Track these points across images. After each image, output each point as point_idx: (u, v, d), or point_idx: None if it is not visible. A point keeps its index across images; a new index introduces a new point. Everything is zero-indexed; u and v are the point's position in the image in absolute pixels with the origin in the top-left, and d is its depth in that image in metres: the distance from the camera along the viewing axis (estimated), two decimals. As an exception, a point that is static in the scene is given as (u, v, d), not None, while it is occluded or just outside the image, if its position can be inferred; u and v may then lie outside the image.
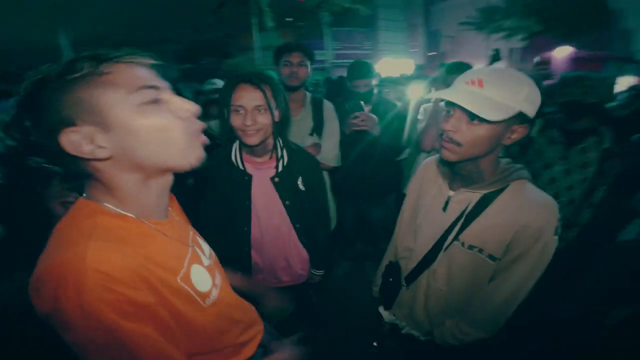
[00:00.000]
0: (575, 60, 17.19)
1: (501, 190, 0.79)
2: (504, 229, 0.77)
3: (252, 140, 1.01)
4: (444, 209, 0.88)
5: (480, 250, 0.81)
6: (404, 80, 2.74)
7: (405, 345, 1.03)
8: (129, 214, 0.53)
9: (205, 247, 0.72)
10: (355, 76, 1.74)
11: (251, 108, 0.98)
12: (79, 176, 0.52)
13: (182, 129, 0.53)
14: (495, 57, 3.47)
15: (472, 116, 0.71)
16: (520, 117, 0.72)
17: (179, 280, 0.54)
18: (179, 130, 0.52)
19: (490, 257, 0.81)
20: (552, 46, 17.00)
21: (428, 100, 1.87)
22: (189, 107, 0.54)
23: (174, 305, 0.52)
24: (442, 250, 0.86)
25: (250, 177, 1.12)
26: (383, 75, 3.23)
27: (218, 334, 0.62)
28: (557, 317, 1.68)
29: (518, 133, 0.75)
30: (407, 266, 0.96)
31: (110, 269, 0.43)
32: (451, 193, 0.87)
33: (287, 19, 19.57)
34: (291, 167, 1.14)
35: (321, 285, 1.43)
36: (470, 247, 0.82)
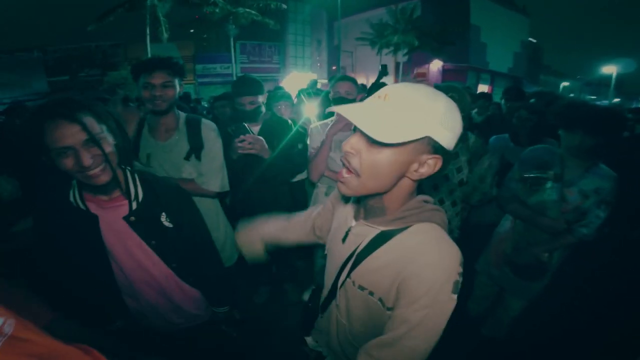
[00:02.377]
0: (444, 72, 20.80)
1: (401, 230, 0.67)
2: (392, 274, 0.66)
3: (102, 179, 0.85)
4: (343, 240, 0.77)
5: (371, 293, 0.70)
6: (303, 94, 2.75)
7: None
8: None
9: None
10: (241, 93, 1.63)
11: (79, 145, 0.80)
12: None
13: None
14: (383, 72, 3.79)
15: (370, 138, 0.57)
16: (431, 146, 0.60)
17: None
18: None
19: (381, 301, 0.69)
20: (428, 60, 20.22)
21: (319, 119, 1.86)
22: None
23: None
24: (339, 286, 0.77)
25: (96, 217, 0.94)
26: (295, 89, 3.18)
27: None
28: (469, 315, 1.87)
29: (428, 166, 0.61)
30: (323, 293, 0.88)
31: None
32: (353, 223, 0.76)
33: (190, 31, 18.40)
34: (149, 202, 1.00)
35: (234, 319, 1.32)
36: (361, 288, 0.72)
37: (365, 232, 0.72)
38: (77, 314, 1.08)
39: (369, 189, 0.64)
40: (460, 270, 0.63)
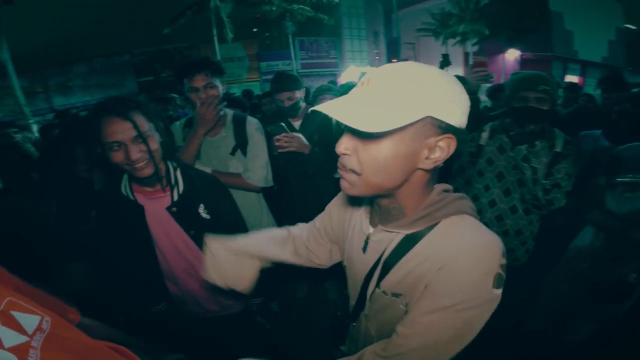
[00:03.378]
0: (523, 62, 18.54)
1: (429, 229, 0.59)
2: (424, 274, 0.58)
3: (146, 172, 0.93)
4: (364, 249, 0.70)
5: (402, 300, 0.64)
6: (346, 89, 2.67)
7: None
8: None
9: (28, 321, 0.59)
10: (278, 89, 1.63)
11: (129, 141, 0.88)
12: None
13: None
14: (445, 62, 3.50)
15: (360, 132, 0.51)
16: (437, 126, 0.52)
17: None
18: None
19: (407, 307, 0.62)
20: (503, 49, 18.24)
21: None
22: None
23: None
24: (367, 299, 0.70)
25: (142, 208, 1.02)
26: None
27: None
28: (526, 330, 1.62)
29: (441, 150, 0.53)
30: (351, 302, 0.81)
31: None
32: (370, 230, 0.69)
33: (253, 30, 19.43)
34: (189, 195, 1.05)
35: (270, 310, 1.32)
36: (395, 295, 0.64)
37: (387, 238, 0.64)
38: (131, 293, 1.20)
39: (375, 186, 0.56)
40: (503, 261, 0.54)
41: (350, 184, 0.58)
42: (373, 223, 0.69)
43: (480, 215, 1.51)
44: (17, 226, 1.10)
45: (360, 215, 0.73)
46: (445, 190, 0.63)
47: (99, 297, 1.17)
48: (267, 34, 19.39)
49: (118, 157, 0.88)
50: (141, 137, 0.88)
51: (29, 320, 0.61)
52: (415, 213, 0.60)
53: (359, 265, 0.71)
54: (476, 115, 1.96)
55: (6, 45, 9.01)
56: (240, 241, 0.84)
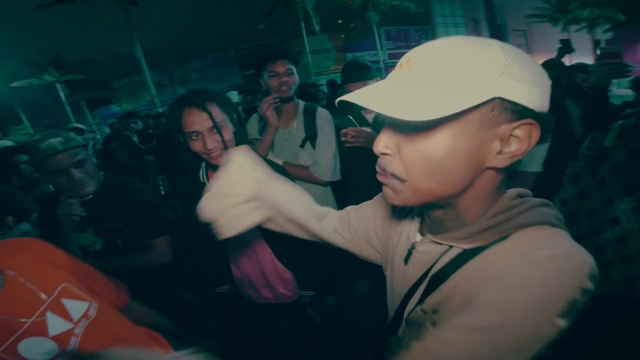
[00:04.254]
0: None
1: (494, 243, 0.46)
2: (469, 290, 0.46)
3: (220, 160, 0.99)
4: (406, 260, 0.59)
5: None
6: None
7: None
8: None
9: (76, 308, 0.69)
10: (348, 79, 1.56)
11: (206, 131, 0.95)
12: None
13: None
14: (565, 49, 2.90)
15: (404, 125, 0.42)
16: (511, 111, 0.40)
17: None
18: None
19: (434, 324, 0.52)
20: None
21: None
22: None
23: None
24: (403, 319, 0.60)
25: None
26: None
27: None
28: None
29: (519, 141, 0.41)
30: (389, 315, 0.71)
31: None
32: (417, 239, 0.57)
33: (338, 22, 19.58)
34: None
35: (323, 304, 1.34)
36: (434, 311, 0.53)
37: (438, 250, 0.52)
38: (200, 272, 1.33)
39: (428, 193, 0.45)
40: (588, 285, 0.38)
41: (394, 192, 0.47)
42: (422, 231, 0.57)
43: (595, 235, 1.21)
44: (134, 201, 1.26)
45: (409, 218, 0.62)
46: (521, 195, 0.49)
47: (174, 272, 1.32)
48: (352, 25, 19.26)
49: (196, 145, 0.96)
50: (216, 127, 0.95)
51: (77, 307, 0.70)
52: (479, 223, 0.47)
53: (399, 278, 0.61)
54: (602, 110, 1.58)
55: (139, 44, 11.03)
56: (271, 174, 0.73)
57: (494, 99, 0.39)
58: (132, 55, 11.21)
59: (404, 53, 0.46)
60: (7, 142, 2.82)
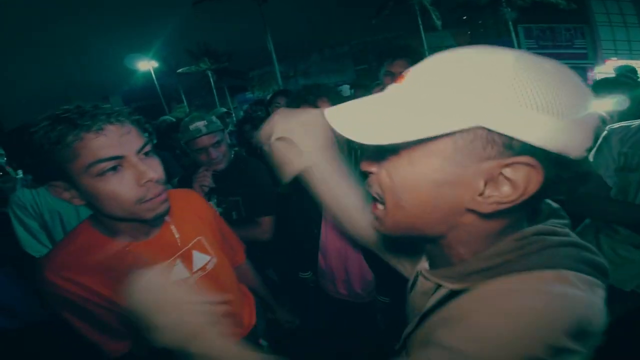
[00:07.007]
0: None
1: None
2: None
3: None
4: (410, 289, 0.54)
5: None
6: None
7: None
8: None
9: (199, 260, 0.77)
10: None
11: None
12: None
13: (132, 196, 0.60)
14: None
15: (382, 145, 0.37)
16: (505, 145, 0.32)
17: None
18: (128, 196, 0.60)
19: None
20: None
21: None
22: (148, 175, 0.61)
23: None
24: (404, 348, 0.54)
25: None
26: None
27: None
28: None
29: (512, 185, 0.33)
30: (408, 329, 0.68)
31: None
32: (425, 267, 0.50)
33: (463, 18, 17.81)
34: None
35: (391, 314, 1.31)
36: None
37: (429, 288, 0.46)
38: (291, 254, 1.43)
39: (404, 225, 0.40)
40: (566, 344, 0.30)
41: (377, 216, 0.43)
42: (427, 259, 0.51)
43: None
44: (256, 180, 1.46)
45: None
46: (542, 233, 0.38)
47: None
48: (480, 22, 17.22)
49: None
50: None
51: (200, 260, 0.77)
52: (469, 264, 0.39)
53: (408, 301, 0.55)
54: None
55: (270, 37, 12.49)
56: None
57: (475, 127, 0.32)
58: (265, 49, 12.79)
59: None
60: (170, 118, 3.56)
